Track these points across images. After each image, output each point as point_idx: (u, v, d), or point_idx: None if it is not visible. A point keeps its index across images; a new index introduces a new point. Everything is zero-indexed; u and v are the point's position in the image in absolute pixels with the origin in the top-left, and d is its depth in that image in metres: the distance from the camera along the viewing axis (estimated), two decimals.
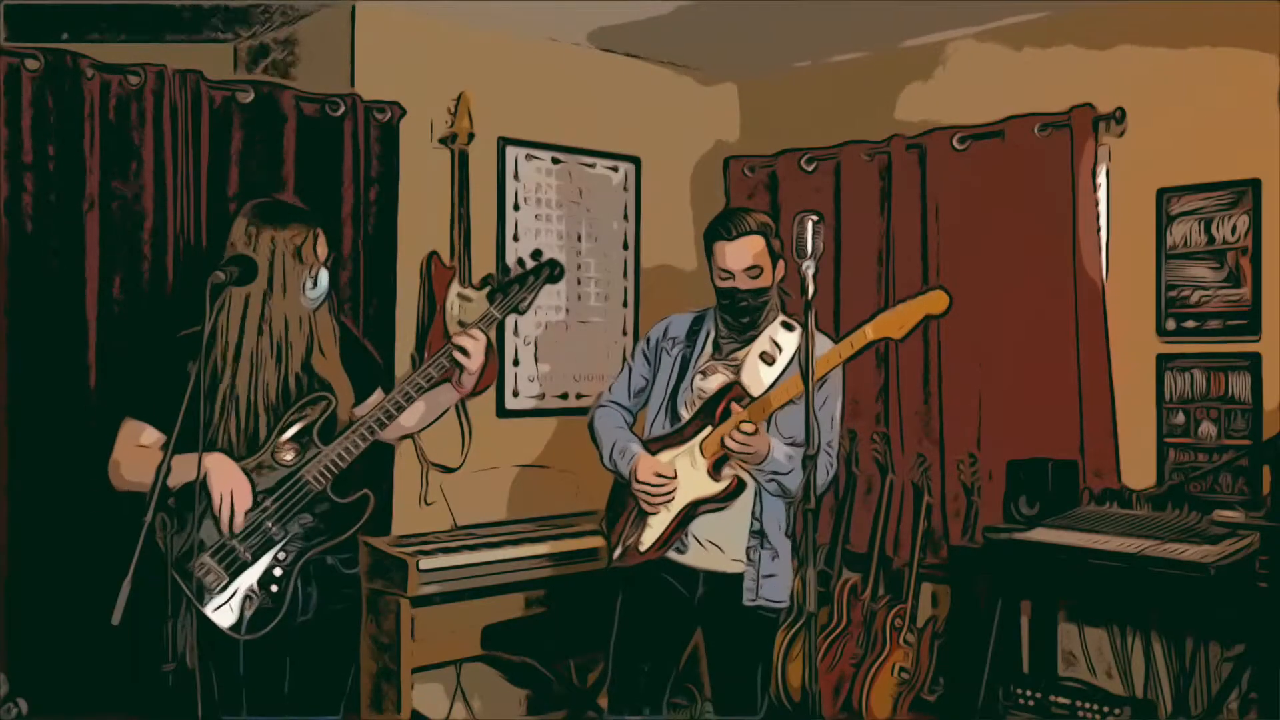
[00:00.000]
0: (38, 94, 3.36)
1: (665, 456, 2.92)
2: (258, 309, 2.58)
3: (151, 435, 2.59)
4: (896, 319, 2.70)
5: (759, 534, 2.89)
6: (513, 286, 2.83)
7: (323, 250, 2.66)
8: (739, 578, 2.89)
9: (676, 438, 2.93)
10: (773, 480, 2.85)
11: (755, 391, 2.84)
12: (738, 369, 2.91)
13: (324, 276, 2.66)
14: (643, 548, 2.91)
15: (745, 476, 2.87)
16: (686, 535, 2.92)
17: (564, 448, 4.41)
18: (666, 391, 3.01)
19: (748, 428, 2.75)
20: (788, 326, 2.94)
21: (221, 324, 2.57)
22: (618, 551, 2.97)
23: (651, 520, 2.92)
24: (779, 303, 2.99)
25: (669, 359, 3.03)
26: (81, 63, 3.42)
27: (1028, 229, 4.07)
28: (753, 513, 2.90)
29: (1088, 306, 3.94)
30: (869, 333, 2.71)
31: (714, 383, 2.93)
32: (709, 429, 2.87)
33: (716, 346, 3.00)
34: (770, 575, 2.90)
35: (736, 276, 2.87)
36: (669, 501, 2.88)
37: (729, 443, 2.78)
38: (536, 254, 2.93)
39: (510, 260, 4.39)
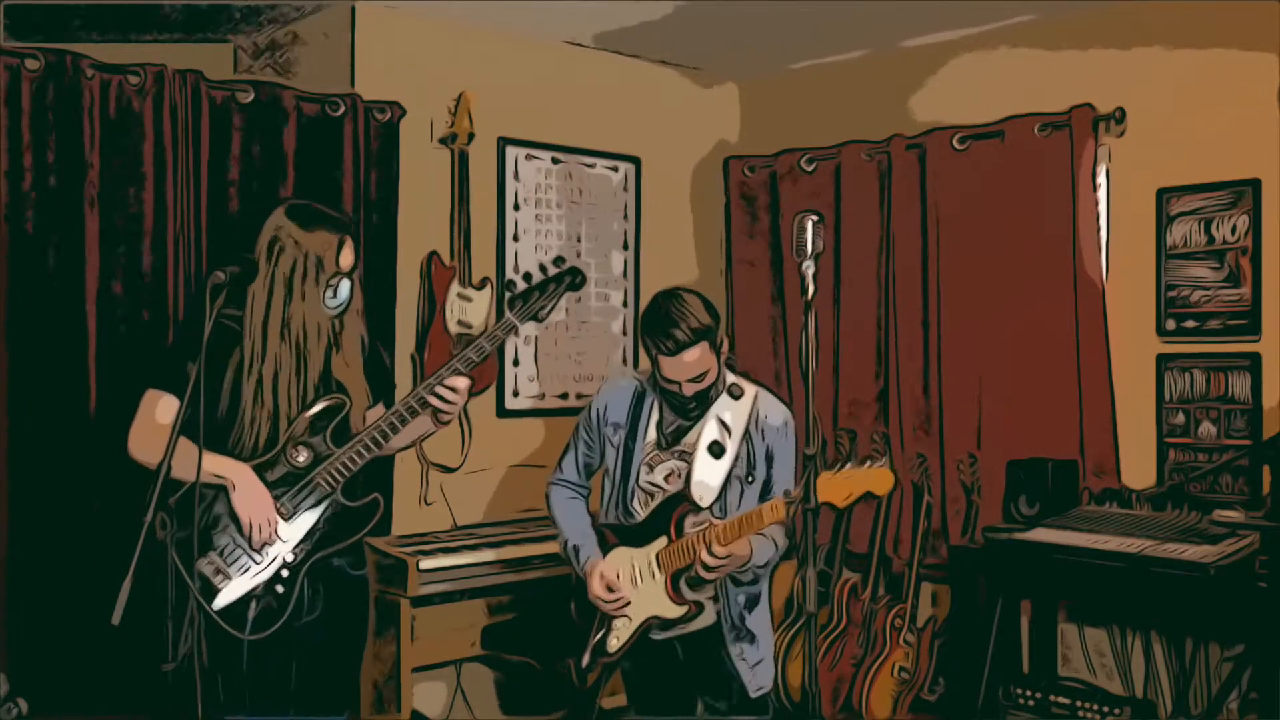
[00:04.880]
0: (38, 94, 3.36)
1: (620, 555, 2.89)
2: (280, 312, 2.59)
3: (170, 407, 2.56)
4: (841, 488, 2.52)
5: (735, 628, 2.86)
6: (533, 294, 2.80)
7: (347, 259, 2.65)
8: (710, 631, 2.87)
9: (632, 537, 2.88)
10: (749, 572, 2.82)
11: (706, 499, 2.79)
12: (687, 460, 2.84)
13: (345, 285, 2.66)
14: (610, 650, 2.89)
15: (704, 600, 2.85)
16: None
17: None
18: (615, 480, 2.93)
19: (721, 552, 2.66)
20: (734, 394, 2.86)
21: (247, 325, 2.58)
22: (586, 659, 2.93)
23: (616, 625, 2.88)
24: (725, 377, 2.88)
25: (611, 448, 2.94)
26: (81, 63, 3.42)
27: (1028, 229, 4.07)
28: (718, 610, 2.86)
29: (1088, 306, 3.94)
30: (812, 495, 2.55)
31: (661, 473, 2.87)
32: (664, 540, 2.82)
33: (660, 431, 2.89)
34: (759, 662, 2.90)
35: (682, 385, 2.77)
36: (623, 608, 2.85)
37: (703, 569, 2.70)
38: (559, 260, 2.89)
39: (509, 261, 4.39)
